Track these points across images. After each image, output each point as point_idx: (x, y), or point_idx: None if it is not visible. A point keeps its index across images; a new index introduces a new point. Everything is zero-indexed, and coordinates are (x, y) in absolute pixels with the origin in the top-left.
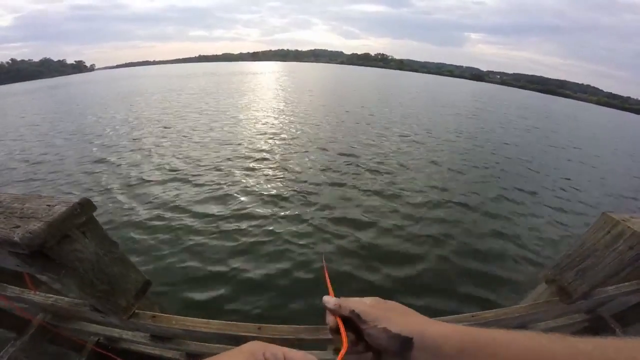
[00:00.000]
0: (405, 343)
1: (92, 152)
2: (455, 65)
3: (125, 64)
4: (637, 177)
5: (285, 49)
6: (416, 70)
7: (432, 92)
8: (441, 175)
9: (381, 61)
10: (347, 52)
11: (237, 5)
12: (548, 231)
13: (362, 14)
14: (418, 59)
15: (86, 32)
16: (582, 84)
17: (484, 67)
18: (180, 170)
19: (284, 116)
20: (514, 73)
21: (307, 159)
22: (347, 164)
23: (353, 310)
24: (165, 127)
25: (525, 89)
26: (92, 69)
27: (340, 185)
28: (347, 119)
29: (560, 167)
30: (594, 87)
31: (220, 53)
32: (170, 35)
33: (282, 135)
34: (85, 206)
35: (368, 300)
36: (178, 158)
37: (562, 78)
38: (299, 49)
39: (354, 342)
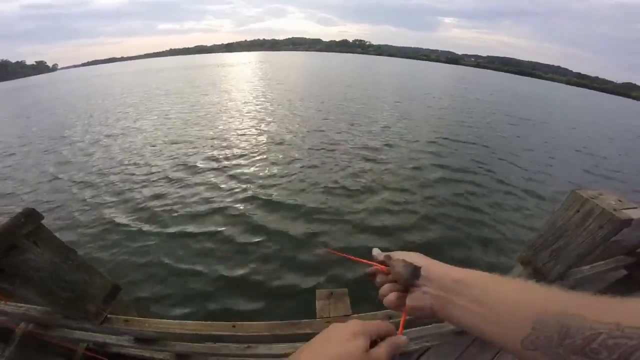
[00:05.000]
0: (414, 270)
1: (47, 167)
2: (431, 50)
3: (91, 62)
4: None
5: (261, 38)
6: (394, 55)
7: (415, 78)
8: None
9: (359, 47)
10: (326, 39)
11: None
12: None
13: (339, 0)
14: (396, 44)
15: (45, 31)
16: (553, 65)
17: (459, 51)
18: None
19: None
20: (487, 56)
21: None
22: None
23: (388, 255)
24: (124, 134)
25: (499, 71)
26: (54, 69)
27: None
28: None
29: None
30: (564, 68)
31: (193, 46)
32: (137, 30)
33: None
34: (31, 216)
35: (404, 251)
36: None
37: (534, 60)
38: (276, 38)
39: (383, 282)
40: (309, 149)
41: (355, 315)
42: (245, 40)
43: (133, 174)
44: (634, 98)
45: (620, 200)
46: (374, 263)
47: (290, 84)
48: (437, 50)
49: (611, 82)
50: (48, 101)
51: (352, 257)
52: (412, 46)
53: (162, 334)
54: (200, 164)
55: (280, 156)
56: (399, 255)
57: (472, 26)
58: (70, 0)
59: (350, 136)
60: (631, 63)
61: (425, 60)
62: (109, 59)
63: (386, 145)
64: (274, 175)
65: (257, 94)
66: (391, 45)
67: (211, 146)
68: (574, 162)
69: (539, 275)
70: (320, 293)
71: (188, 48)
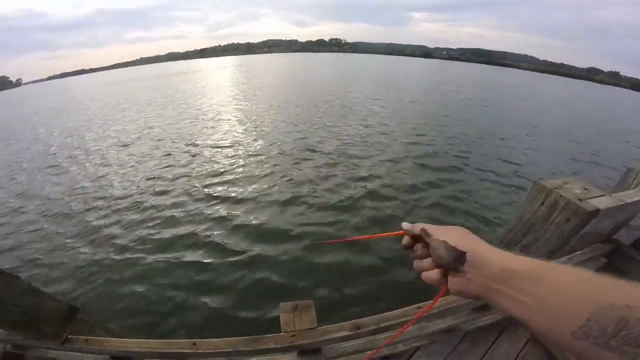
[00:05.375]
0: (459, 256)
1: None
2: (404, 45)
3: (58, 75)
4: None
5: (236, 42)
6: (370, 52)
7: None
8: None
9: (336, 46)
10: (302, 39)
11: (174, 4)
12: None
13: (312, 0)
14: (371, 41)
15: (1, 44)
16: (521, 54)
17: (430, 45)
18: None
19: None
20: (458, 48)
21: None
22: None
23: (423, 228)
24: (85, 151)
25: (471, 62)
26: (18, 83)
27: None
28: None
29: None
30: (531, 56)
31: (164, 53)
32: (104, 40)
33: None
34: None
35: (443, 226)
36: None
37: (503, 49)
38: (251, 42)
39: (422, 255)
40: (288, 157)
41: (321, 327)
42: (219, 45)
43: (98, 197)
44: (598, 82)
45: (586, 189)
46: (406, 233)
47: (266, 87)
48: (411, 44)
49: (575, 67)
50: (13, 121)
51: (369, 236)
52: (387, 42)
53: (122, 352)
54: (172, 183)
55: (257, 171)
56: (438, 231)
57: (441, 19)
58: (26, 13)
59: (328, 139)
60: (593, 48)
61: (400, 55)
62: (77, 71)
63: (366, 146)
64: (251, 192)
65: (232, 100)
66: (366, 42)
67: (185, 163)
68: (556, 147)
69: None
70: (285, 306)
71: (160, 56)
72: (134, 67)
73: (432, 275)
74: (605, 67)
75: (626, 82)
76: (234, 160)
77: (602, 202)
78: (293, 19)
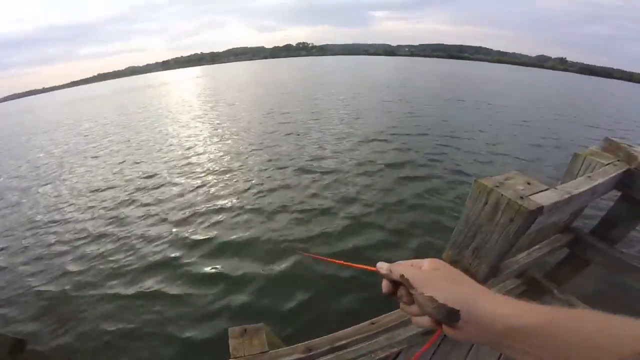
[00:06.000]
0: (451, 315)
1: None
2: (369, 44)
3: (6, 97)
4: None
5: (200, 52)
6: (337, 54)
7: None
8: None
9: (304, 50)
10: (269, 45)
11: (130, 17)
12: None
13: (275, 5)
14: (337, 42)
15: None
16: (476, 46)
17: (393, 42)
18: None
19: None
20: (419, 44)
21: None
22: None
23: (402, 275)
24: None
25: (432, 57)
26: None
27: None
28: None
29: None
30: (486, 48)
31: (124, 67)
32: (56, 57)
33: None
34: None
35: (425, 263)
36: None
37: (459, 43)
38: (215, 51)
39: (408, 302)
40: (258, 172)
41: (272, 351)
42: (182, 56)
43: (51, 232)
44: (548, 68)
45: (529, 183)
46: (385, 277)
47: (233, 97)
48: (375, 44)
49: (527, 56)
50: None
51: (342, 262)
52: (352, 42)
53: None
54: (132, 210)
55: (224, 191)
56: (422, 280)
57: (401, 17)
58: None
59: (298, 148)
60: (541, 37)
61: (366, 54)
62: (28, 91)
63: (335, 152)
64: (221, 213)
65: (197, 113)
66: (333, 44)
67: (147, 188)
68: (517, 135)
69: (470, 276)
70: (233, 331)
71: (119, 71)
72: (93, 84)
73: (422, 321)
74: (554, 54)
75: (573, 67)
76: (198, 182)
77: (546, 198)
78: (259, 25)
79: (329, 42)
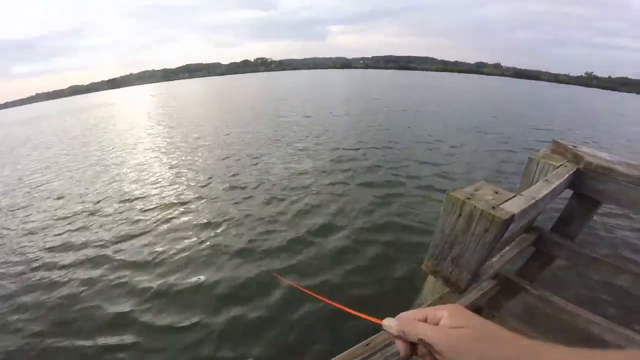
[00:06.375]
0: None
1: None
2: (327, 58)
3: None
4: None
5: (151, 69)
6: (297, 68)
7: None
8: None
9: (262, 65)
10: (226, 61)
11: (70, 32)
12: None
13: (233, 21)
14: (297, 57)
15: None
16: (423, 57)
17: (349, 55)
18: None
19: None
20: (372, 56)
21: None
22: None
23: (422, 339)
24: None
25: (384, 69)
26: None
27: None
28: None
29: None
30: (431, 58)
31: (67, 86)
32: None
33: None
34: None
35: (444, 316)
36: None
37: (408, 54)
38: (168, 67)
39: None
40: (214, 202)
41: None
42: (132, 73)
43: None
44: (486, 74)
45: (496, 192)
46: (398, 338)
47: (188, 117)
48: (332, 58)
49: (467, 63)
50: None
51: (341, 307)
52: (311, 57)
53: None
54: (70, 253)
55: (178, 229)
56: (447, 344)
57: (354, 30)
58: None
59: (260, 173)
60: (478, 44)
61: (324, 68)
62: None
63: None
64: (172, 255)
65: (146, 138)
66: (292, 59)
67: (88, 226)
68: (472, 143)
69: (452, 285)
70: None
71: (61, 90)
72: (30, 104)
73: None
74: (490, 60)
75: (508, 72)
76: (149, 216)
77: (516, 206)
78: (216, 41)
79: (289, 57)
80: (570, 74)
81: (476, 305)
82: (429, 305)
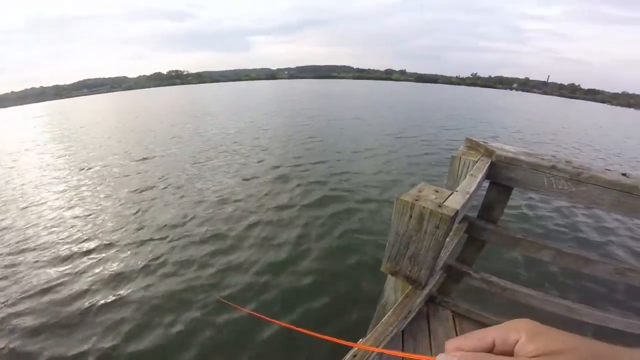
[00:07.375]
0: None
1: None
2: (250, 69)
3: None
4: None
5: (39, 86)
6: (217, 81)
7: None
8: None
9: (177, 78)
10: (133, 74)
11: None
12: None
13: (144, 33)
14: (217, 69)
15: None
16: (342, 65)
17: (273, 66)
18: None
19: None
20: (297, 67)
21: None
22: None
23: None
24: None
25: (309, 79)
26: None
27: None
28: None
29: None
30: (348, 66)
31: None
32: None
33: None
34: None
35: (523, 339)
36: None
37: (330, 64)
38: (61, 84)
39: None
40: (135, 244)
41: None
42: (13, 91)
43: None
44: (394, 80)
45: (437, 191)
46: None
47: (84, 142)
48: (256, 69)
49: (378, 70)
50: None
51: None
52: (233, 68)
53: None
54: None
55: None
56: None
57: (280, 41)
58: None
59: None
60: (388, 52)
61: (247, 80)
62: None
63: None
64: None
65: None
66: (212, 71)
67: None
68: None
69: (413, 282)
70: None
71: None
72: None
73: None
74: (397, 66)
75: (411, 77)
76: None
77: (456, 201)
78: (125, 53)
79: (209, 69)
80: (460, 76)
81: (430, 295)
82: (398, 305)
